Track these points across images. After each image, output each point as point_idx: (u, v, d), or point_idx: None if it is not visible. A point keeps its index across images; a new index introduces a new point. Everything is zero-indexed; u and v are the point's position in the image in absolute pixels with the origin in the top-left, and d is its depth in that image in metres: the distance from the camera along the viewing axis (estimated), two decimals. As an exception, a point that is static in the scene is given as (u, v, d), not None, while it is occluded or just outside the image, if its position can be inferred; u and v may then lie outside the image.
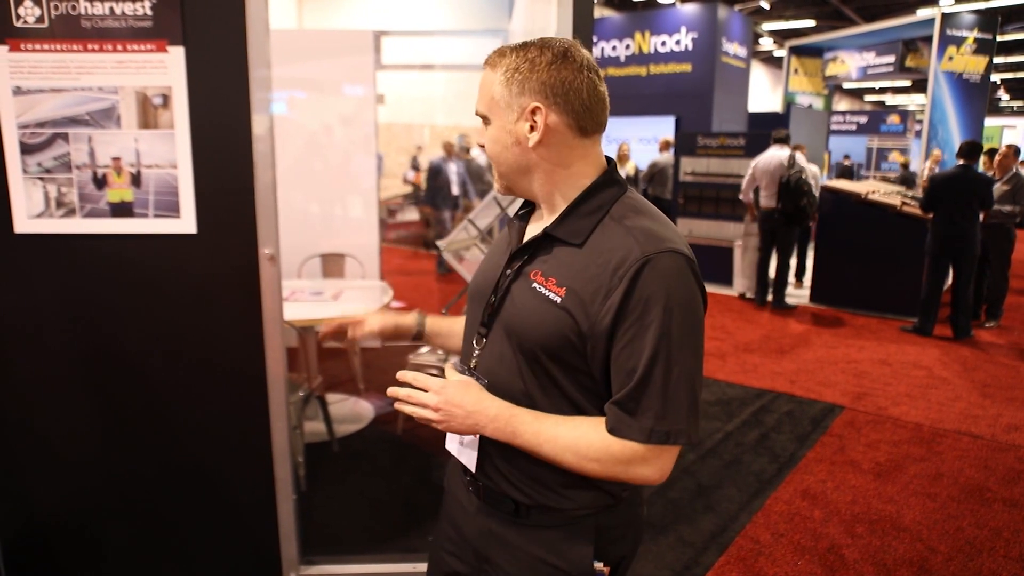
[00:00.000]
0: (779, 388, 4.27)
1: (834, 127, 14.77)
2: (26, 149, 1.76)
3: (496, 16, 4.26)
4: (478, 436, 1.05)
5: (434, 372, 1.05)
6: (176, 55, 1.74)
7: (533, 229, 1.08)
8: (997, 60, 15.45)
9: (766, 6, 14.97)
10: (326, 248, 4.27)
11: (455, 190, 7.86)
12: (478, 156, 8.33)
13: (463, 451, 1.10)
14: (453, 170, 7.88)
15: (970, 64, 9.83)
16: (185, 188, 1.80)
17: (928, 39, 10.15)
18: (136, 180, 1.80)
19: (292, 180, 4.15)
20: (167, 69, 1.75)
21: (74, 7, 1.70)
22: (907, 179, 10.71)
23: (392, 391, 1.03)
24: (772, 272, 6.48)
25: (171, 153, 1.79)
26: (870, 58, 12.16)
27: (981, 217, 5.25)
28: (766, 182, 6.18)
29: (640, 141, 9.42)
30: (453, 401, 0.99)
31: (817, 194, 6.26)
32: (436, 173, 7.88)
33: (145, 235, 1.82)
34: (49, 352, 1.88)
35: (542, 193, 1.04)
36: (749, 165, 6.42)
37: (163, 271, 1.85)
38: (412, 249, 9.31)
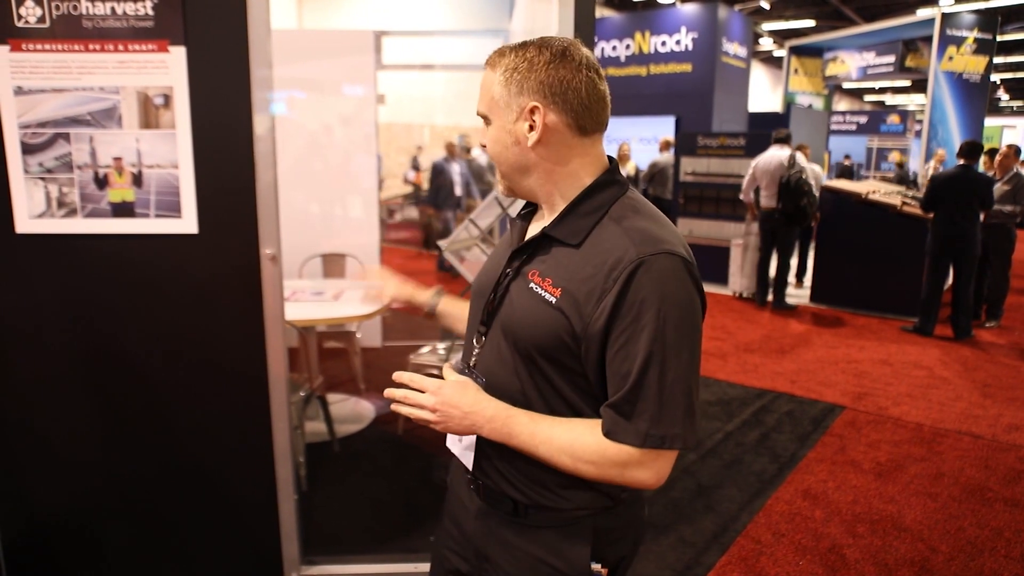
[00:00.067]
0: (780, 388, 4.27)
1: (834, 127, 14.77)
2: (27, 149, 1.76)
3: (496, 16, 4.25)
4: (475, 436, 1.05)
5: (433, 373, 1.05)
6: (177, 55, 1.74)
7: (535, 229, 1.08)
8: (997, 60, 15.45)
9: (766, 6, 14.97)
10: (327, 248, 4.27)
11: (458, 191, 7.86)
12: (479, 156, 8.33)
13: (463, 450, 1.10)
14: (456, 170, 7.88)
15: (970, 64, 9.84)
16: (186, 188, 1.80)
17: (928, 39, 10.16)
18: (137, 180, 1.80)
19: (293, 180, 4.15)
20: (168, 69, 1.75)
21: (75, 7, 1.70)
22: (903, 178, 10.73)
23: (389, 392, 1.03)
24: (772, 272, 6.48)
25: (172, 153, 1.79)
26: (870, 58, 12.16)
27: (981, 217, 5.25)
28: (766, 182, 6.18)
29: (640, 141, 9.42)
30: (450, 402, 0.99)
31: (818, 194, 6.26)
32: (439, 174, 7.88)
33: (146, 235, 1.82)
34: (50, 352, 1.88)
35: (542, 193, 1.04)
36: (749, 165, 6.42)
37: (164, 271, 1.85)
38: (416, 250, 9.31)
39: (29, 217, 1.79)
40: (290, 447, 2.01)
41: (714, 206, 7.39)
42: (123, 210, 1.81)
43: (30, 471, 1.96)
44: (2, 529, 2.00)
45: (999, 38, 10.46)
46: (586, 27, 1.84)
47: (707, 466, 3.17)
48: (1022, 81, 23.57)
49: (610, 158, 1.05)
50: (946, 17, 9.68)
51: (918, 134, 12.38)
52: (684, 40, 10.17)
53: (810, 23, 16.65)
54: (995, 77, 20.35)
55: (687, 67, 10.18)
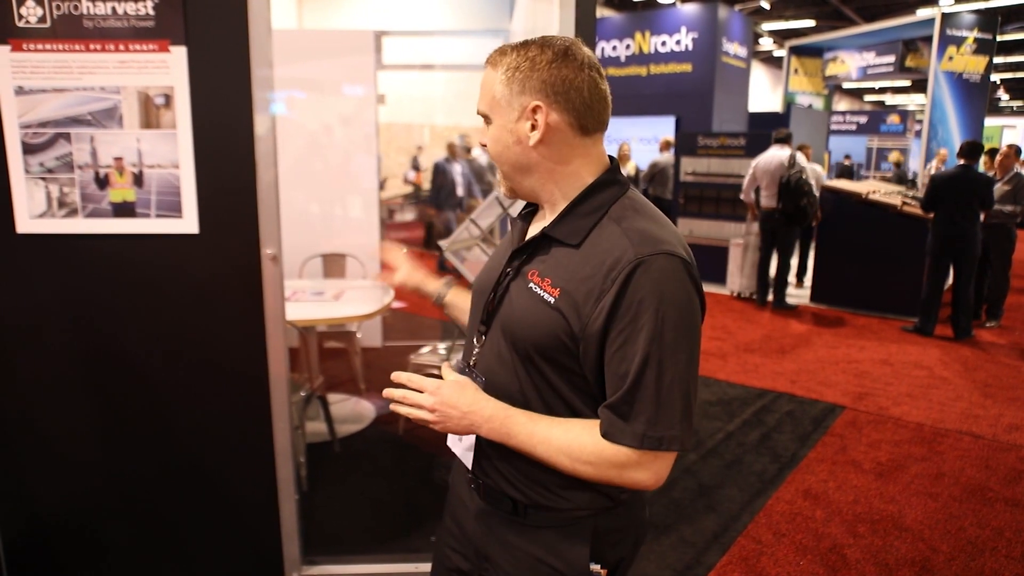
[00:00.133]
0: (780, 388, 4.27)
1: (834, 127, 14.77)
2: (28, 149, 1.76)
3: (497, 16, 4.25)
4: (475, 436, 1.05)
5: (433, 373, 1.05)
6: (178, 55, 1.74)
7: (535, 229, 1.08)
8: (997, 60, 15.45)
9: (766, 6, 14.97)
10: (327, 248, 4.27)
11: (460, 191, 7.85)
12: (479, 156, 8.32)
13: (463, 450, 1.10)
14: (458, 171, 7.87)
15: (970, 64, 9.83)
16: (187, 188, 1.80)
17: (928, 39, 10.15)
18: (138, 180, 1.79)
19: (293, 180, 4.15)
20: (169, 69, 1.75)
21: (76, 7, 1.70)
22: (901, 178, 10.75)
23: (388, 392, 1.02)
24: (773, 272, 6.48)
25: (173, 153, 1.79)
26: (870, 58, 12.15)
27: (982, 217, 5.25)
28: (767, 182, 6.18)
29: (640, 141, 9.42)
30: (448, 402, 0.99)
31: (818, 193, 6.26)
32: (441, 174, 7.87)
33: (147, 235, 1.82)
34: (51, 352, 1.88)
35: (544, 192, 1.03)
36: (750, 165, 6.42)
37: (165, 271, 1.85)
38: (418, 250, 9.30)
39: (30, 217, 1.79)
40: (291, 447, 2.01)
41: (714, 206, 7.39)
42: (124, 210, 1.81)
43: (31, 471, 1.96)
44: (3, 529, 2.00)
45: (999, 38, 10.46)
46: (587, 27, 1.84)
47: (708, 466, 3.17)
48: (1022, 81, 23.57)
49: (611, 158, 1.05)
50: (946, 17, 9.67)
51: (918, 134, 12.38)
52: (684, 40, 10.17)
53: (810, 23, 16.65)
54: (995, 77, 20.36)
55: (687, 67, 10.18)
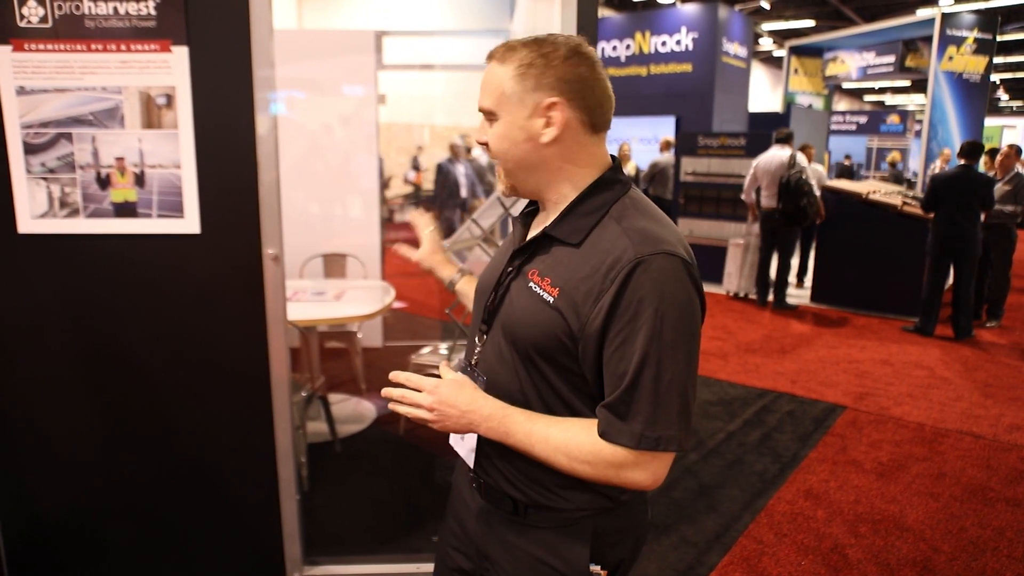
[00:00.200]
0: (781, 388, 4.27)
1: (834, 127, 14.77)
2: (30, 149, 1.76)
3: (497, 16, 4.25)
4: (477, 435, 1.05)
5: (433, 373, 1.06)
6: (180, 55, 1.74)
7: (537, 228, 1.08)
8: (997, 60, 15.46)
9: (766, 6, 14.97)
10: (327, 248, 4.27)
11: (464, 192, 7.84)
12: (479, 156, 8.32)
13: (465, 449, 1.10)
14: (461, 171, 7.86)
15: (970, 64, 9.83)
16: (189, 188, 1.80)
17: (928, 39, 10.15)
18: (140, 180, 1.79)
19: (294, 180, 4.15)
20: (171, 69, 1.74)
21: (78, 7, 1.70)
22: (897, 178, 10.76)
23: (387, 392, 1.02)
24: (773, 273, 6.48)
25: (175, 153, 1.78)
26: (870, 58, 12.16)
27: (982, 217, 5.25)
28: (767, 182, 6.18)
29: (641, 141, 9.41)
30: (447, 401, 0.99)
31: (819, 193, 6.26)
32: (444, 175, 7.86)
33: (149, 235, 1.82)
34: (52, 352, 1.88)
35: (548, 191, 1.03)
36: (750, 165, 6.42)
37: (166, 271, 1.84)
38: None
39: (31, 217, 1.79)
40: (292, 447, 2.01)
41: (714, 206, 7.39)
42: (125, 210, 1.81)
43: (32, 471, 1.96)
44: (3, 529, 1.99)
45: (999, 38, 10.46)
46: (589, 27, 1.84)
47: (709, 466, 3.16)
48: (1022, 81, 23.57)
49: (613, 157, 1.04)
50: (946, 17, 9.67)
51: (918, 134, 12.38)
52: (684, 40, 10.17)
53: (810, 23, 16.65)
54: (995, 77, 20.36)
55: (687, 67, 10.18)
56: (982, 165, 6.15)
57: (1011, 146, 5.84)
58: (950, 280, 5.54)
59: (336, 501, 2.77)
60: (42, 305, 1.84)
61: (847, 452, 3.35)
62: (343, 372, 4.19)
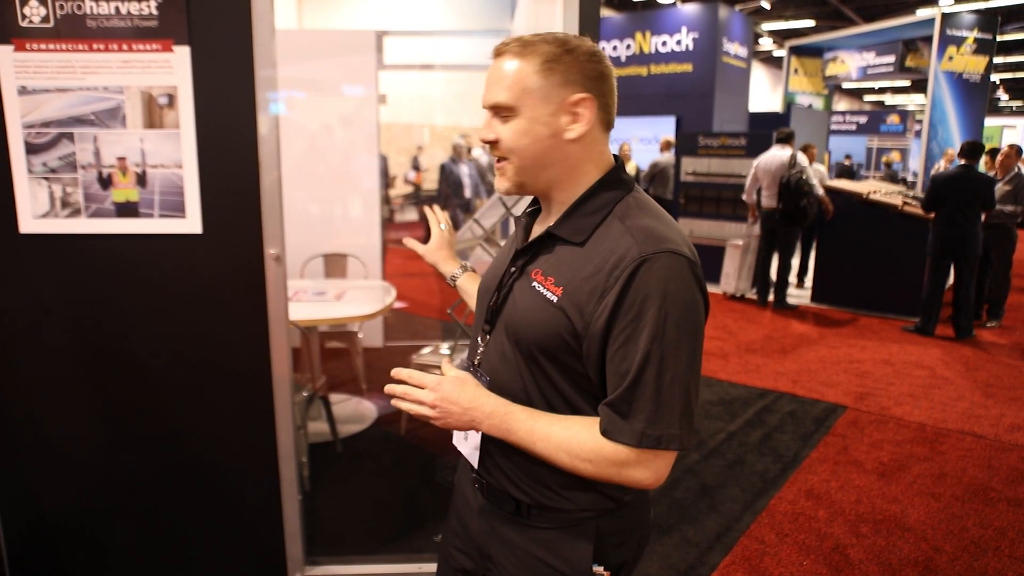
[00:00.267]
0: (782, 388, 4.27)
1: (834, 127, 14.77)
2: (31, 149, 1.76)
3: (498, 16, 4.25)
4: (481, 434, 1.05)
5: (435, 371, 1.06)
6: (182, 55, 1.74)
7: (539, 227, 1.08)
8: (997, 60, 15.46)
9: (766, 6, 14.97)
10: (328, 248, 4.27)
11: (467, 192, 7.84)
12: (479, 156, 8.31)
13: (469, 448, 1.10)
14: (465, 172, 7.86)
15: (970, 64, 9.83)
16: (190, 188, 1.80)
17: (928, 39, 10.15)
18: (141, 180, 1.79)
19: (295, 180, 4.15)
20: (172, 69, 1.74)
21: (79, 7, 1.70)
22: (893, 178, 10.77)
23: (389, 388, 1.02)
24: (774, 273, 6.48)
25: (176, 153, 1.78)
26: (870, 58, 12.15)
27: (983, 217, 5.25)
28: (768, 182, 6.18)
29: (641, 141, 9.41)
30: (449, 398, 0.99)
31: (821, 193, 6.25)
32: (448, 175, 7.86)
33: (150, 235, 1.82)
34: (54, 352, 1.88)
35: (558, 189, 1.01)
36: (750, 165, 6.42)
37: (168, 271, 1.84)
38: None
39: (33, 217, 1.79)
40: (294, 447, 2.01)
41: (715, 206, 7.39)
42: (127, 210, 1.80)
43: (33, 470, 1.96)
44: (5, 528, 1.99)
45: (999, 38, 10.46)
46: (591, 27, 1.83)
47: (710, 466, 3.16)
48: (1022, 81, 23.58)
49: (615, 157, 1.05)
50: (946, 17, 9.67)
51: (918, 134, 12.38)
52: (685, 40, 10.17)
53: (810, 23, 16.65)
54: (995, 77, 20.36)
55: (688, 67, 10.18)
56: (982, 165, 6.15)
57: (1011, 146, 5.83)
58: (950, 280, 5.54)
59: (337, 501, 2.77)
60: (43, 305, 1.84)
61: (848, 452, 3.35)
62: (344, 372, 4.19)
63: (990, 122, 16.68)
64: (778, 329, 5.74)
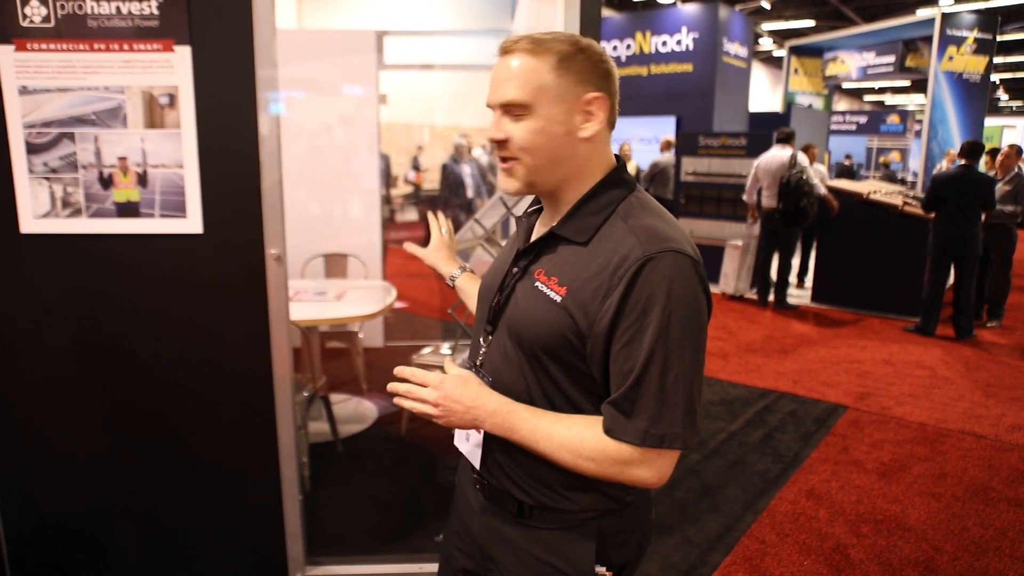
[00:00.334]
0: (782, 388, 4.27)
1: (834, 127, 14.77)
2: (32, 149, 1.75)
3: (498, 16, 4.25)
4: (483, 434, 1.05)
5: (437, 371, 1.07)
6: (183, 55, 1.73)
7: (540, 227, 1.08)
8: (997, 60, 15.46)
9: (766, 6, 14.98)
10: (328, 248, 4.27)
11: (470, 192, 7.84)
12: (480, 156, 8.31)
13: (471, 449, 1.10)
14: (467, 172, 7.86)
15: (970, 64, 9.83)
16: (191, 188, 1.80)
17: (928, 39, 10.15)
18: (142, 180, 1.79)
19: (296, 180, 4.15)
20: (173, 69, 1.74)
21: (80, 7, 1.69)
22: (890, 178, 10.78)
23: (392, 386, 1.02)
24: (774, 273, 6.47)
25: (177, 153, 1.78)
26: (870, 58, 12.15)
27: (983, 217, 5.25)
28: (768, 182, 6.18)
29: (641, 141, 9.42)
30: (452, 396, 0.98)
31: (824, 192, 6.25)
32: (449, 175, 7.86)
33: (151, 235, 1.82)
34: (55, 352, 1.87)
35: (566, 188, 1.01)
36: (751, 165, 6.42)
37: (169, 271, 1.84)
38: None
39: (34, 217, 1.79)
40: (295, 447, 2.01)
41: (715, 206, 7.39)
42: (128, 210, 1.80)
43: (34, 471, 1.96)
44: (6, 529, 1.99)
45: (999, 38, 10.46)
46: (592, 27, 1.83)
47: (711, 466, 3.16)
48: (1022, 81, 23.58)
49: (617, 157, 1.05)
50: (946, 17, 9.67)
51: (918, 134, 12.38)
52: (685, 40, 10.17)
53: (810, 23, 16.65)
54: (995, 77, 20.36)
55: (688, 67, 10.18)
56: (983, 165, 6.15)
57: (1012, 146, 5.84)
58: (951, 280, 5.54)
59: (338, 501, 2.77)
60: (44, 305, 1.84)
61: (849, 452, 3.35)
62: (344, 372, 4.19)
63: (990, 122, 16.68)
64: (778, 329, 5.74)
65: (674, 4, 12.15)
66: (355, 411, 3.69)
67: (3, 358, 1.86)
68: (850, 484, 3.01)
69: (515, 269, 1.05)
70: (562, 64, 0.94)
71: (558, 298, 0.95)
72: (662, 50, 10.41)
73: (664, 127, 8.88)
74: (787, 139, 6.18)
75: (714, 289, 7.00)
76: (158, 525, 2.02)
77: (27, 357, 1.87)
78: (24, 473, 1.95)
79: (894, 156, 14.10)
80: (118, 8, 1.70)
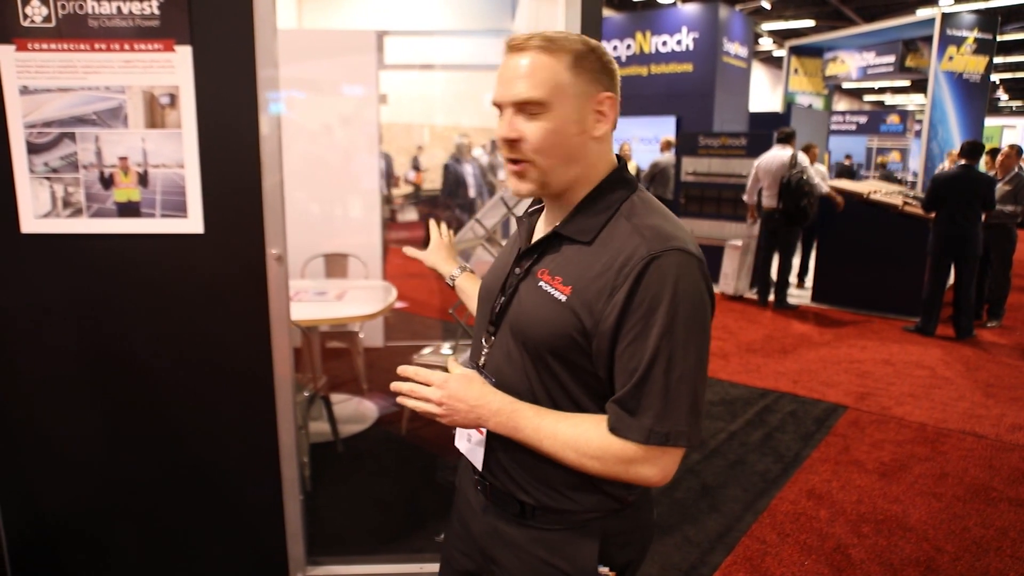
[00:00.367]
0: (782, 388, 4.27)
1: (834, 127, 14.77)
2: (33, 149, 1.75)
3: (499, 16, 4.25)
4: (485, 435, 1.05)
5: (439, 371, 1.07)
6: (183, 54, 1.73)
7: (541, 227, 1.08)
8: (997, 60, 15.46)
9: (766, 6, 14.98)
10: (329, 248, 4.27)
11: (471, 192, 7.83)
12: (480, 156, 8.31)
13: (471, 449, 1.10)
14: (469, 171, 7.85)
15: (970, 64, 9.83)
16: (192, 188, 1.80)
17: (928, 39, 10.15)
18: (143, 180, 1.79)
19: (296, 180, 4.15)
20: (174, 68, 1.74)
21: (81, 6, 1.69)
22: (887, 178, 10.79)
23: (395, 386, 1.02)
24: (774, 273, 6.47)
25: (178, 153, 1.78)
26: (870, 58, 12.15)
27: (983, 217, 5.25)
28: (768, 182, 6.18)
29: (641, 141, 9.42)
30: (456, 395, 0.98)
31: (827, 190, 6.24)
32: (451, 175, 7.85)
33: (152, 235, 1.81)
34: (55, 352, 1.87)
35: (576, 188, 1.00)
36: (751, 165, 6.42)
37: (170, 271, 1.84)
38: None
39: (34, 217, 1.79)
40: (296, 447, 2.01)
41: (715, 206, 7.39)
42: (129, 210, 1.80)
43: (35, 471, 1.96)
44: (6, 528, 1.99)
45: (999, 38, 10.46)
46: (593, 27, 1.83)
47: (711, 466, 3.16)
48: (1022, 81, 23.58)
49: (618, 157, 1.05)
50: (946, 17, 9.67)
51: (918, 134, 12.38)
52: (685, 40, 10.17)
53: (810, 23, 16.65)
54: (995, 77, 20.36)
55: (688, 67, 10.18)
56: (983, 165, 6.15)
57: (1012, 146, 5.83)
58: (951, 280, 5.54)
59: (339, 501, 2.77)
60: (45, 305, 1.84)
61: (849, 452, 3.35)
62: (345, 372, 4.19)
63: (990, 122, 16.68)
64: (779, 329, 5.74)
65: (674, 4, 12.15)
66: (355, 411, 3.69)
67: (3, 358, 1.86)
68: (851, 484, 3.01)
69: (518, 269, 1.04)
70: (577, 63, 0.94)
71: (563, 298, 0.95)
72: (662, 50, 10.41)
73: (664, 127, 8.88)
74: (787, 139, 6.18)
75: (714, 289, 7.01)
76: (158, 525, 2.02)
77: (27, 357, 1.87)
78: (24, 473, 1.95)
79: (894, 156, 14.10)
80: (119, 8, 1.70)
